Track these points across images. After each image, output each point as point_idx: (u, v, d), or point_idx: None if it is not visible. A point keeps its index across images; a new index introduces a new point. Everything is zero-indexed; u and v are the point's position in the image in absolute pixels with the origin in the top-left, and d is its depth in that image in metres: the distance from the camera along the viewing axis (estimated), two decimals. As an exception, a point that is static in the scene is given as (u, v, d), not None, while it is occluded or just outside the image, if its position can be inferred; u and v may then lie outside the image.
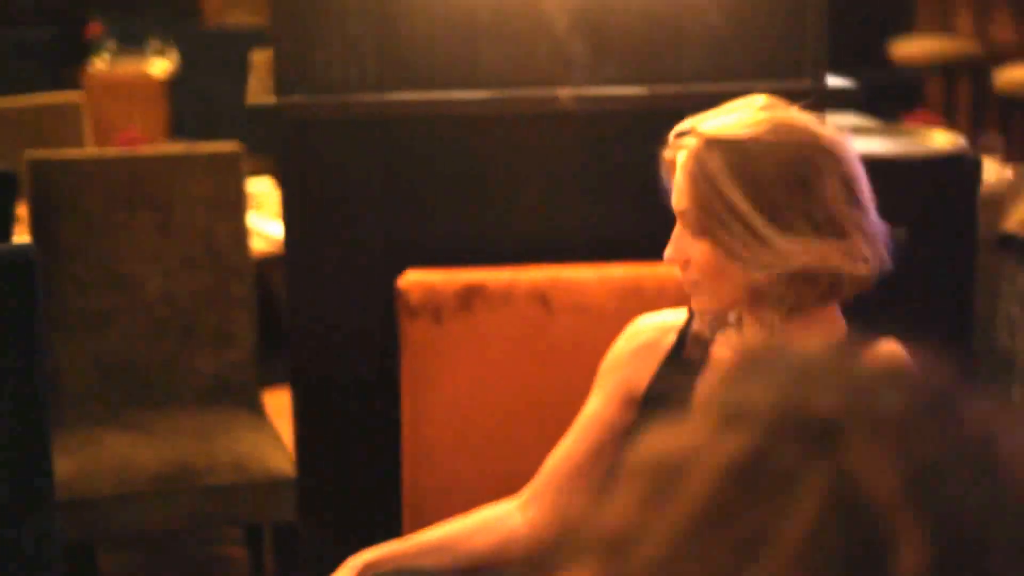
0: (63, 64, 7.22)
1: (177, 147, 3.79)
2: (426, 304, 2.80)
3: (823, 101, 3.08)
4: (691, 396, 2.20)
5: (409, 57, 2.91)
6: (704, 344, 2.23)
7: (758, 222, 2.01)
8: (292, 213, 2.90)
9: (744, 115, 2.06)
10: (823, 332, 2.13)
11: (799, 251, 2.02)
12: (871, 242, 2.07)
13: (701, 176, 2.03)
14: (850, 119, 3.99)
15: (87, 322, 3.68)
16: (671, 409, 2.45)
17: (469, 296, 2.81)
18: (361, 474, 2.99)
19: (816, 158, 2.03)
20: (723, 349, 2.22)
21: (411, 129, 2.92)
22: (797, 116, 2.08)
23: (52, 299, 3.63)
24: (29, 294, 2.77)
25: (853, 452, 0.72)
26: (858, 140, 3.65)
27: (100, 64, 7.05)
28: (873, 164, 3.46)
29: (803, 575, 0.69)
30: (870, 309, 3.47)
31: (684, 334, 2.25)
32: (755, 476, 0.72)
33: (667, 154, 2.09)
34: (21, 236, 3.84)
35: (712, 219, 2.04)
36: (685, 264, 2.10)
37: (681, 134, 2.07)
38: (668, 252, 2.12)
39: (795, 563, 0.69)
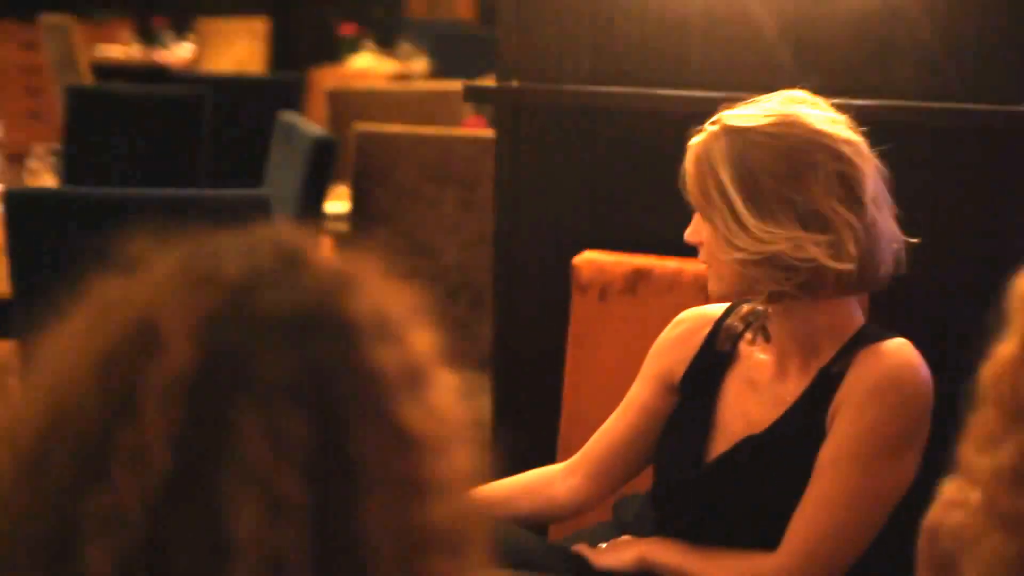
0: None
1: (490, 130, 4.12)
2: (594, 282, 2.98)
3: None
4: (719, 387, 2.30)
5: (622, 54, 3.10)
6: (734, 337, 2.32)
7: (740, 205, 2.12)
8: (502, 191, 3.16)
9: (764, 107, 2.17)
10: (830, 323, 2.18)
11: (774, 237, 2.10)
12: (866, 243, 2.12)
13: (704, 159, 2.16)
14: None
15: (389, 282, 4.07)
16: (702, 398, 2.54)
17: (636, 280, 2.97)
18: (545, 433, 3.17)
19: (813, 153, 2.12)
20: (749, 344, 2.30)
21: (618, 122, 3.11)
22: (812, 113, 2.16)
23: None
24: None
25: (172, 296, 0.98)
26: None
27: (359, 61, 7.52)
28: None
29: (79, 363, 0.96)
30: None
31: (719, 326, 2.35)
32: (125, 304, 0.99)
33: (691, 140, 2.22)
34: (339, 200, 4.29)
35: (707, 201, 2.16)
36: (700, 245, 2.22)
37: (711, 123, 2.20)
38: (687, 233, 2.24)
39: (78, 361, 0.97)
